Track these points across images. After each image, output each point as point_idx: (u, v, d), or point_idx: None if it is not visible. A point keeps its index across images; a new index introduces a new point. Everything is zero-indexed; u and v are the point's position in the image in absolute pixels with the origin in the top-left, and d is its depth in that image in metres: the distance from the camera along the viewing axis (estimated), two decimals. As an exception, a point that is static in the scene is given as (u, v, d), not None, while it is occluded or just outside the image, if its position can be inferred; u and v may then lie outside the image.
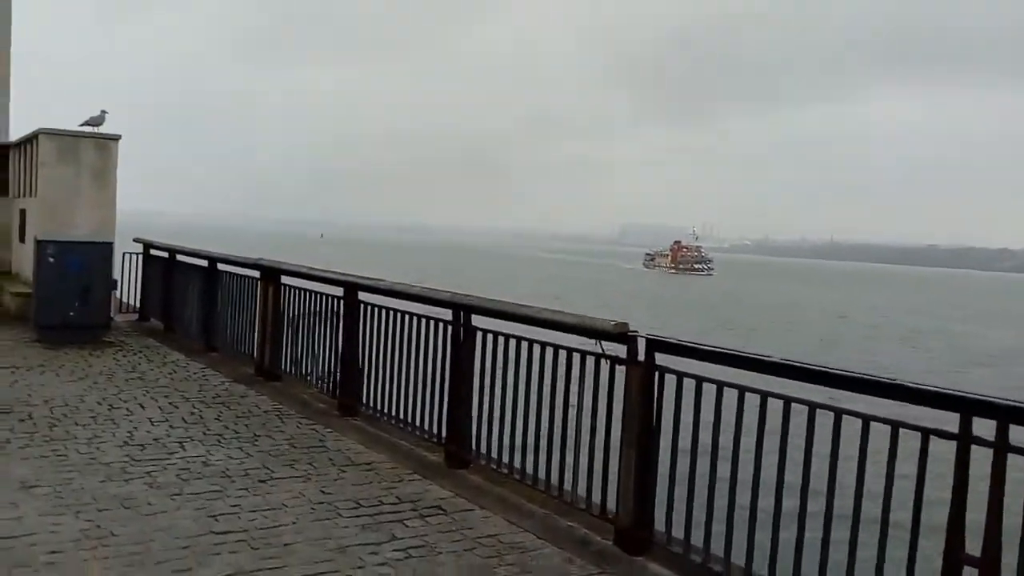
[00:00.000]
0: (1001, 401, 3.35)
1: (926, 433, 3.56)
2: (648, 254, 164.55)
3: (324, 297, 7.90)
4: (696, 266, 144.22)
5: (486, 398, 5.92)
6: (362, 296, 7.33)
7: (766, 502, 4.21)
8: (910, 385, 3.60)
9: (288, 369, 8.71)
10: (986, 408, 3.39)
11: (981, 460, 3.47)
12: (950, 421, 3.55)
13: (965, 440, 3.44)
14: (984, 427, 3.44)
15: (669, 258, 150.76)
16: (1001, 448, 3.35)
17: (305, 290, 8.28)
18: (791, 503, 4.08)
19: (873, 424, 3.76)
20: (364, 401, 7.36)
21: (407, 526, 5.01)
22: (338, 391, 7.67)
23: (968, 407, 3.43)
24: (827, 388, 3.94)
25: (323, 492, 5.55)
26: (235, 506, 5.22)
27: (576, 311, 5.42)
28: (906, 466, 3.71)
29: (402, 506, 5.35)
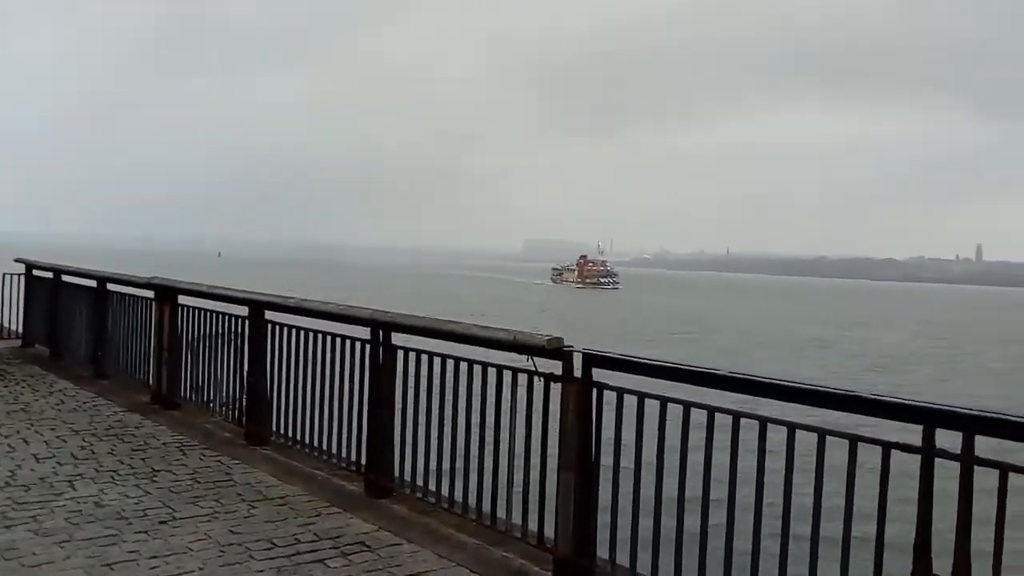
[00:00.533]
0: (965, 411, 3.20)
1: (887, 447, 3.38)
2: (555, 269, 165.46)
3: (227, 317, 7.36)
4: (602, 280, 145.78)
5: (409, 422, 5.54)
6: (269, 315, 6.84)
7: (718, 523, 3.97)
8: (868, 396, 3.43)
9: (188, 396, 8.09)
10: (950, 419, 3.23)
11: (946, 474, 3.32)
12: (911, 434, 3.40)
13: (929, 453, 3.28)
14: (948, 439, 3.29)
15: (576, 273, 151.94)
16: (967, 461, 3.19)
17: (205, 310, 7.70)
18: (744, 524, 3.85)
19: (830, 439, 3.58)
20: (274, 429, 6.87)
21: (329, 567, 4.58)
22: (245, 419, 7.13)
23: (931, 418, 3.27)
24: (779, 402, 3.73)
25: (232, 532, 5.05)
26: (133, 552, 4.68)
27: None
28: (865, 482, 3.54)
29: (321, 543, 4.91)
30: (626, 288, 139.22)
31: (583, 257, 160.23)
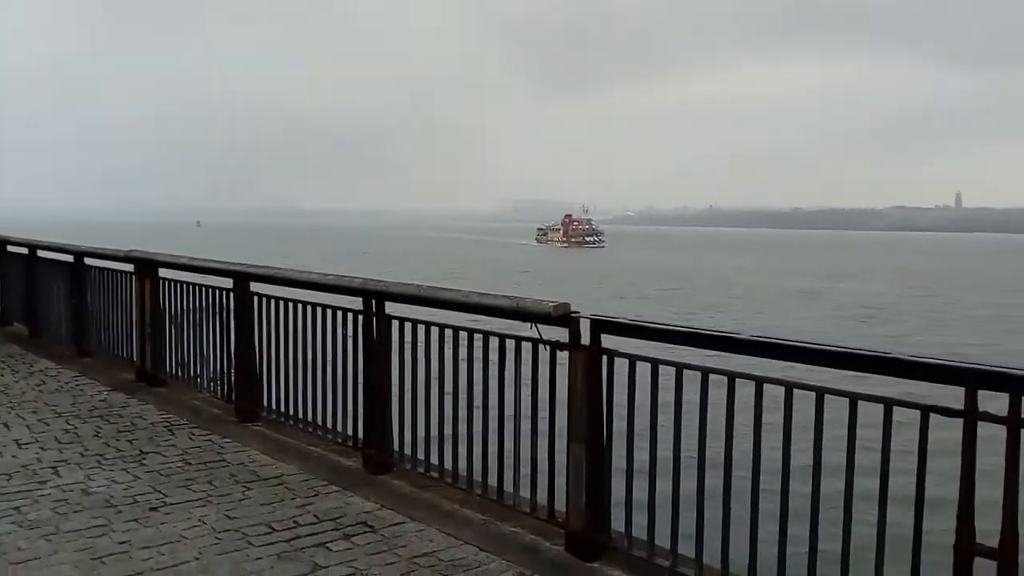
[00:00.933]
0: (1012, 371, 2.99)
1: (926, 411, 3.18)
2: (540, 229, 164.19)
3: (211, 290, 7.06)
4: (588, 239, 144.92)
5: (407, 394, 5.31)
6: (255, 287, 6.55)
7: (741, 495, 3.78)
8: (905, 358, 3.21)
9: (174, 373, 7.82)
10: (995, 379, 3.02)
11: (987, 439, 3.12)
12: (948, 397, 3.20)
13: (972, 416, 3.07)
14: (990, 402, 3.08)
15: (561, 232, 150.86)
16: (1015, 424, 2.99)
17: (188, 283, 7.40)
18: (770, 495, 3.66)
19: (862, 403, 3.37)
20: (265, 404, 6.61)
21: (331, 550, 4.36)
22: (234, 395, 6.88)
23: (974, 379, 3.06)
24: (807, 366, 3.51)
25: (228, 517, 4.82)
26: (123, 543, 4.43)
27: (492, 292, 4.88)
28: (898, 447, 3.34)
29: (322, 526, 4.69)
30: (612, 246, 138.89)
31: (568, 216, 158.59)
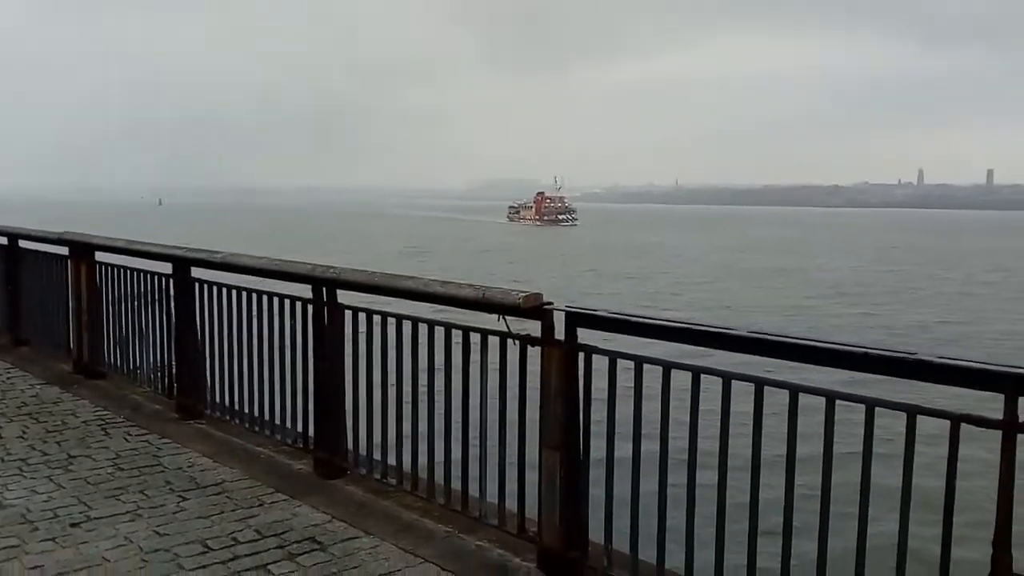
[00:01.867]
0: None
1: (956, 421, 2.73)
2: (512, 207, 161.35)
3: (150, 276, 6.46)
4: (560, 217, 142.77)
5: (363, 391, 4.79)
6: (197, 272, 5.97)
7: (737, 510, 3.33)
8: (935, 360, 2.75)
9: (114, 364, 7.21)
10: None
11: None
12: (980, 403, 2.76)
13: (1012, 427, 2.63)
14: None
15: (533, 210, 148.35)
16: (1063, 437, 2.55)
17: (126, 268, 6.78)
18: (772, 512, 3.20)
19: (880, 411, 2.92)
20: (209, 400, 6.05)
21: (272, 574, 3.84)
22: (176, 389, 6.30)
23: (1014, 385, 2.61)
24: (818, 367, 3.04)
25: (158, 533, 4.28)
26: (35, 568, 3.89)
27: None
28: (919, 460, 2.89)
29: (264, 543, 4.16)
30: (584, 224, 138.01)
31: (540, 194, 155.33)
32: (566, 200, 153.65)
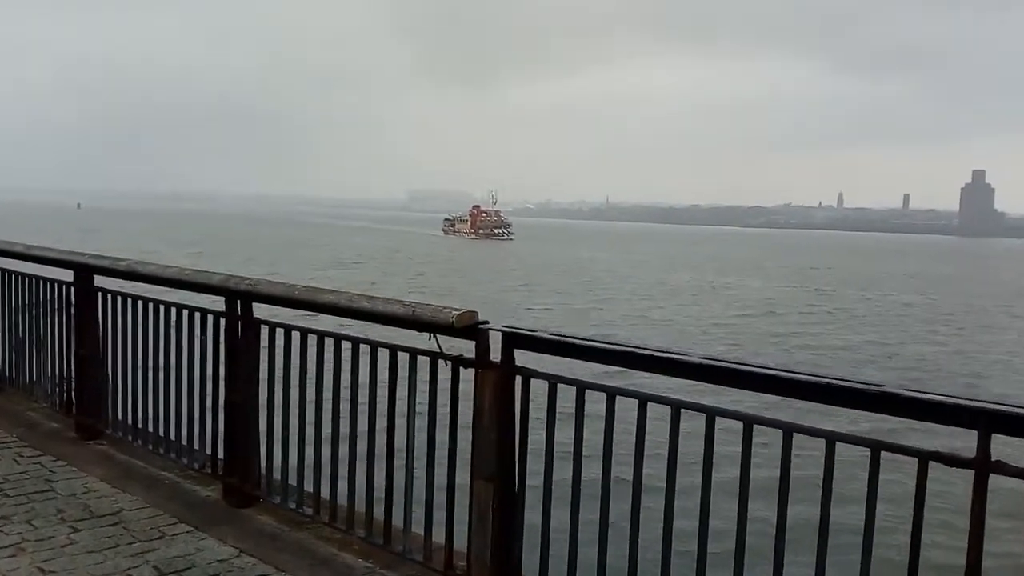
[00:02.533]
0: None
1: (925, 458, 2.50)
2: (447, 219, 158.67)
3: (50, 283, 5.91)
4: (496, 231, 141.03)
5: (278, 412, 4.38)
6: (101, 281, 5.47)
7: (685, 548, 3.06)
8: (903, 394, 2.52)
9: (10, 377, 6.60)
10: (1018, 423, 2.36)
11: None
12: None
13: (985, 467, 2.41)
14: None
15: (469, 223, 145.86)
16: (1041, 479, 2.34)
17: (24, 275, 6.21)
18: (724, 549, 2.94)
19: (841, 446, 2.68)
20: (111, 418, 5.53)
21: (168, 621, 3.41)
22: (75, 407, 5.76)
23: (989, 422, 2.40)
24: (776, 397, 2.79)
25: (42, 570, 3.80)
26: None
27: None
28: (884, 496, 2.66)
29: (162, 583, 3.73)
30: (519, 238, 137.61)
31: (476, 207, 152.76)
32: (502, 214, 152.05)
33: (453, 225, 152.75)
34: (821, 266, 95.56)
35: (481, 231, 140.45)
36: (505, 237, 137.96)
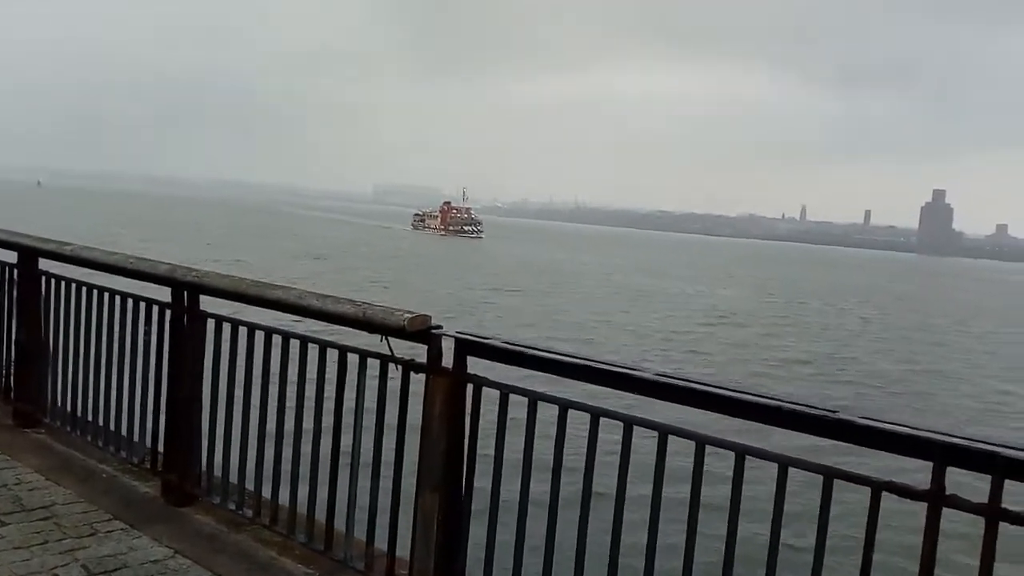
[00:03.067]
0: (997, 449, 2.26)
1: (878, 489, 2.43)
2: (417, 215, 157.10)
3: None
4: (466, 228, 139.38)
5: (221, 409, 4.22)
6: (45, 265, 5.25)
7: (630, 566, 2.97)
8: (858, 422, 2.44)
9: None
10: (973, 457, 2.29)
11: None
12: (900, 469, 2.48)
13: (938, 500, 2.34)
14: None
15: (439, 220, 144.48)
16: (994, 513, 2.27)
17: None
18: (670, 566, 2.85)
19: (794, 471, 2.60)
20: (51, 407, 5.32)
21: (92, 626, 3.24)
22: (13, 392, 5.53)
23: (944, 454, 2.33)
24: (733, 418, 2.70)
25: (-38, 567, 3.60)
26: None
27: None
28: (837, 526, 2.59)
29: (89, 583, 3.55)
30: (489, 237, 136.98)
31: (447, 203, 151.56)
32: (472, 212, 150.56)
33: (423, 220, 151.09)
34: (784, 277, 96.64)
35: (451, 228, 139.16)
36: (475, 235, 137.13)
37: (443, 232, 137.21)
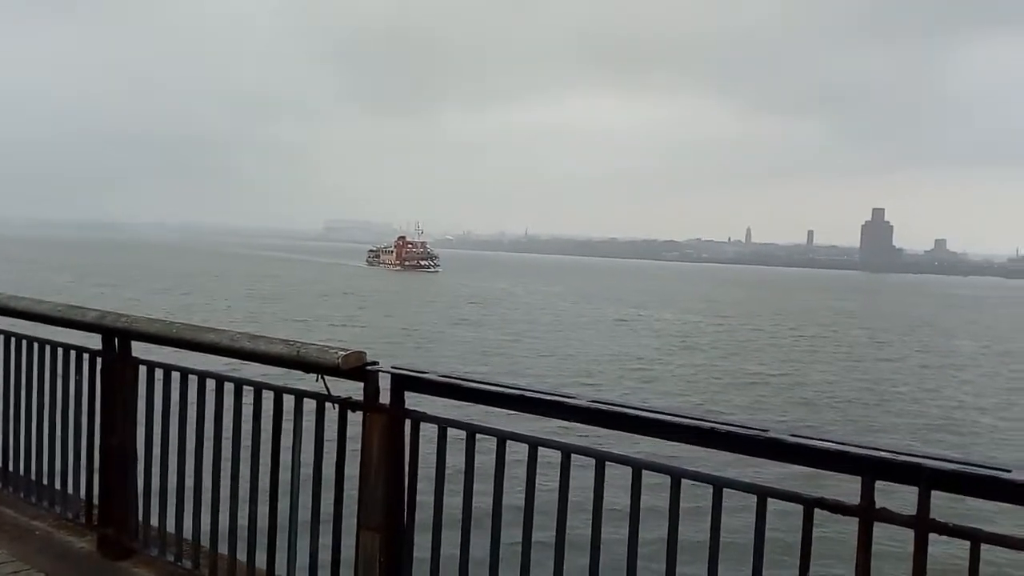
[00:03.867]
0: (923, 460, 2.29)
1: (810, 506, 2.44)
2: (372, 251, 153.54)
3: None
4: (422, 263, 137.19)
5: (156, 458, 4.09)
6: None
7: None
8: (787, 440, 2.46)
9: None
10: (900, 470, 2.31)
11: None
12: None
13: (869, 515, 2.36)
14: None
15: (394, 255, 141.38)
16: (923, 526, 2.29)
17: None
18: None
19: (729, 492, 2.60)
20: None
21: None
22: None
23: (873, 469, 2.35)
24: (665, 441, 2.69)
25: None
26: None
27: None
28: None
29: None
30: (446, 271, 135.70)
31: (402, 238, 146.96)
32: (428, 245, 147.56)
33: (378, 256, 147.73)
34: (729, 299, 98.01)
35: (407, 263, 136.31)
36: (432, 269, 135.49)
37: (399, 267, 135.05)
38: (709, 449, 2.61)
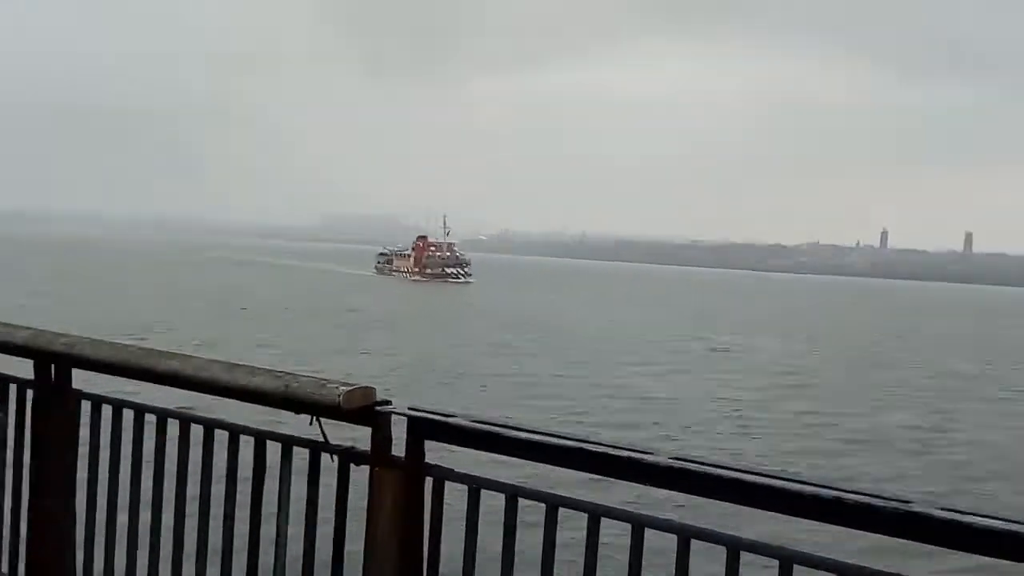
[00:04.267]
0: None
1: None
2: (382, 253, 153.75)
3: None
4: (449, 271, 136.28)
5: (102, 514, 4.20)
6: None
7: None
8: (941, 516, 2.43)
9: None
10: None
11: None
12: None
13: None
14: None
15: (412, 260, 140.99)
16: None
17: None
18: None
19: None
20: None
21: None
22: None
23: None
24: (768, 512, 2.70)
25: None
26: None
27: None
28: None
29: None
30: (478, 281, 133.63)
31: (422, 239, 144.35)
32: (456, 249, 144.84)
33: (390, 262, 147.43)
34: (856, 322, 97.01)
35: (428, 270, 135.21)
36: (461, 279, 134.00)
37: (419, 276, 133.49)
38: (830, 525, 2.62)
